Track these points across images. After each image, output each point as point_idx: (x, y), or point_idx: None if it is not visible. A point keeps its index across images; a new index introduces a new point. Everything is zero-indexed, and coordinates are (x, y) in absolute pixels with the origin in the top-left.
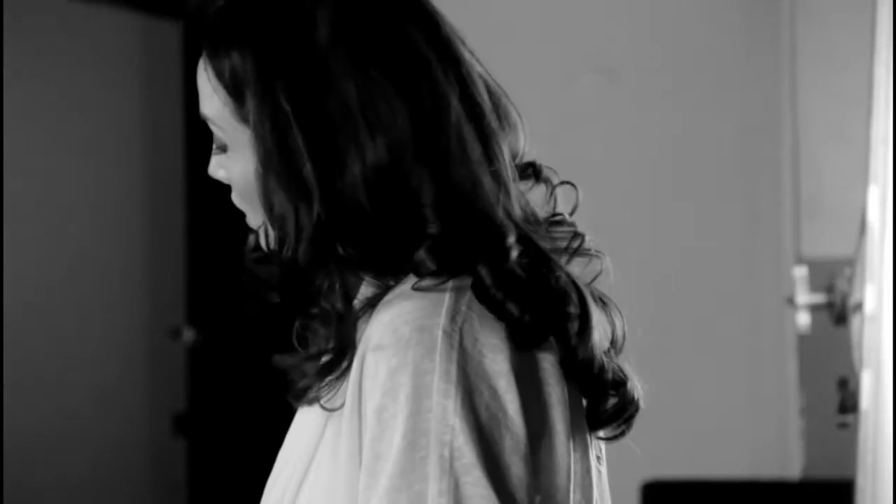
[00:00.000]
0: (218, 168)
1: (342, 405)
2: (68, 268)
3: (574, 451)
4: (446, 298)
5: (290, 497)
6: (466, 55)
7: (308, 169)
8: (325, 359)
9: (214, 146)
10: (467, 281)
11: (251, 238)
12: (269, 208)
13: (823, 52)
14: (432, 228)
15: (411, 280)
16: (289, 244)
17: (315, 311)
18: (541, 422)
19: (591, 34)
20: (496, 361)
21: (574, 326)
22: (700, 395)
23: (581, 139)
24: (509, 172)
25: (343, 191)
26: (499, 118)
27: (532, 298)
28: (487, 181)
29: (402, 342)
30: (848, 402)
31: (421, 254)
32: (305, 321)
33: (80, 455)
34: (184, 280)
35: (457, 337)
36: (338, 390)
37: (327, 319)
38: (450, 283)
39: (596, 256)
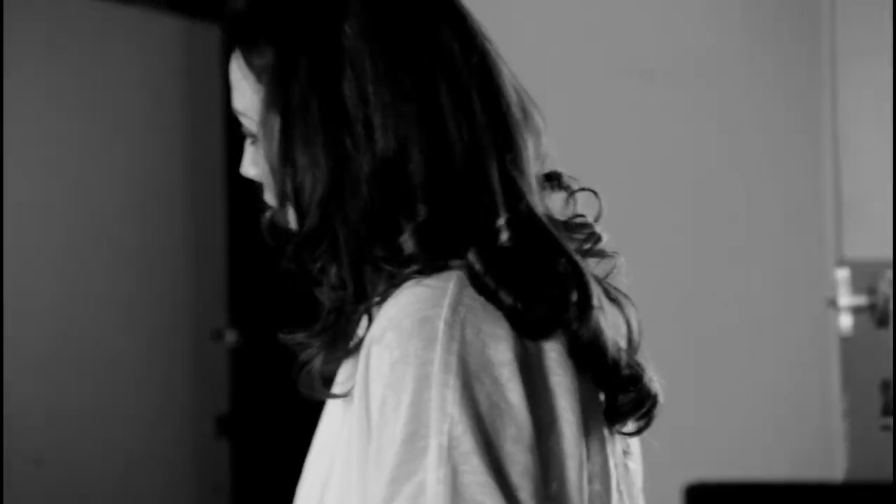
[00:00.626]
0: (250, 166)
1: (349, 392)
2: (110, 271)
3: (591, 442)
4: (449, 290)
5: (317, 497)
6: (493, 51)
7: (320, 153)
8: (326, 335)
9: (247, 141)
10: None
11: (265, 217)
12: (280, 185)
13: (864, 49)
14: (421, 213)
15: (417, 276)
16: (292, 217)
17: (322, 286)
18: (548, 412)
19: (629, 35)
20: (499, 351)
21: (573, 312)
22: (742, 398)
23: (619, 140)
24: (531, 165)
25: (348, 178)
26: (524, 115)
27: (527, 285)
28: (494, 168)
29: (405, 335)
30: (891, 405)
31: (405, 237)
32: (317, 297)
33: (122, 456)
34: (225, 282)
35: (458, 328)
36: (349, 377)
37: (332, 296)
38: (454, 275)
39: (610, 256)
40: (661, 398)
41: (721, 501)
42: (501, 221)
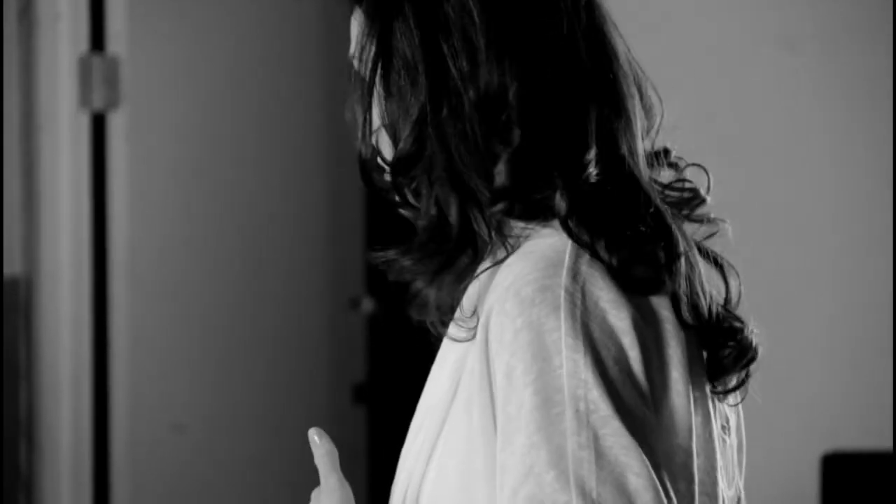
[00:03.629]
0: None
1: (465, 338)
2: (245, 240)
3: (695, 414)
4: (566, 259)
5: (423, 462)
6: (604, 6)
7: (420, 73)
8: (420, 256)
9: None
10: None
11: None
12: (372, 111)
13: None
14: (516, 139)
15: (529, 242)
16: (386, 145)
17: (416, 210)
18: (661, 382)
19: (772, 4)
20: (620, 318)
21: (665, 268)
22: (884, 362)
23: (762, 111)
24: (637, 119)
25: (446, 99)
26: (635, 80)
27: (618, 238)
28: (593, 108)
29: (526, 303)
30: None
31: (499, 167)
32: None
33: (260, 423)
34: (362, 251)
35: (579, 296)
36: (462, 323)
37: (425, 219)
38: (567, 241)
39: (713, 222)
40: (761, 351)
41: (859, 470)
42: (590, 156)
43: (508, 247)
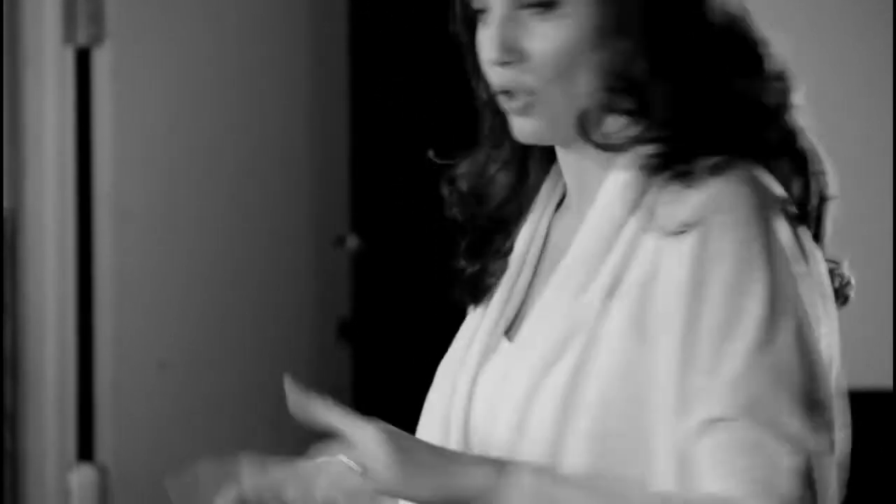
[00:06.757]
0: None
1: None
2: (232, 176)
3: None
4: (768, 187)
5: (566, 375)
6: None
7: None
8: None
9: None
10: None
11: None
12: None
13: None
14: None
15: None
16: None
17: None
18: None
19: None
20: (807, 240)
21: (814, 192)
22: (872, 297)
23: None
24: None
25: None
26: None
27: (799, 162)
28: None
29: (741, 221)
30: None
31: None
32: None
33: (243, 360)
34: (348, 187)
35: (788, 217)
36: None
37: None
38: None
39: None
40: (852, 295)
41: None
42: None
43: (698, 168)
